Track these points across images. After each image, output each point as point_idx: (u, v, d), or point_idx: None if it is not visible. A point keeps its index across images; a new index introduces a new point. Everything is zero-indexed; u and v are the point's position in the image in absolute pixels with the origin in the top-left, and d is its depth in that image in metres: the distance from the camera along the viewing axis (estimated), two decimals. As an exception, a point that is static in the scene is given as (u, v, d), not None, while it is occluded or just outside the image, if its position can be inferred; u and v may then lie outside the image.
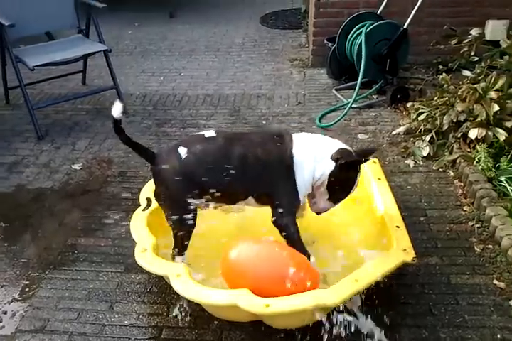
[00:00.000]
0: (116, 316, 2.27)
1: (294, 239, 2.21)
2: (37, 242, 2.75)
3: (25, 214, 2.99)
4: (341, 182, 2.20)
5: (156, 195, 2.31)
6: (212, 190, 2.20)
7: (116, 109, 2.16)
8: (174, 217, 2.23)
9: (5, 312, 2.31)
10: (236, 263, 2.10)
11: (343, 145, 2.24)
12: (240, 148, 2.18)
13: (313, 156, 2.17)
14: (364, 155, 2.18)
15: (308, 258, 2.18)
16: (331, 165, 2.16)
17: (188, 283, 2.03)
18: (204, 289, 2.02)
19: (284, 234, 2.21)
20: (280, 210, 2.19)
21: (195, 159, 2.17)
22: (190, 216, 2.20)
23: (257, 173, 2.17)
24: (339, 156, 2.15)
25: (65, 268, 2.57)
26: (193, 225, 2.24)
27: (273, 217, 2.22)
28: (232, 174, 2.16)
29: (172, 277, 2.06)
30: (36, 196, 3.16)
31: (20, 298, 2.39)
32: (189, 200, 2.18)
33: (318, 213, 2.36)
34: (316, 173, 2.17)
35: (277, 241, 2.22)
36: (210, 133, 2.27)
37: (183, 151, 2.18)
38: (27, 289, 2.44)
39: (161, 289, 2.37)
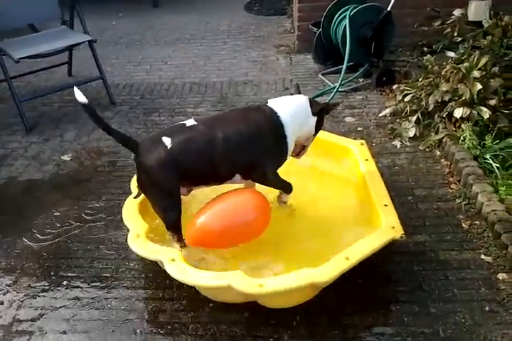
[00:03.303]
0: (113, 301, 2.30)
1: (276, 183, 2.44)
2: (30, 233, 2.77)
3: (17, 206, 3.00)
4: (320, 124, 2.47)
5: (141, 183, 2.28)
6: (201, 176, 2.24)
7: (79, 94, 2.10)
8: (161, 205, 2.25)
9: (1, 303, 2.34)
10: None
11: (305, 98, 2.41)
12: (223, 130, 2.22)
13: (297, 117, 2.33)
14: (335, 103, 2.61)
15: (291, 191, 2.49)
16: (314, 119, 2.39)
17: (182, 267, 2.07)
18: (198, 272, 2.05)
19: (267, 184, 2.42)
20: (265, 170, 2.33)
21: (181, 148, 2.17)
22: (176, 202, 2.23)
23: (245, 148, 2.24)
24: (321, 110, 2.39)
25: (59, 257, 2.59)
26: (180, 210, 2.25)
27: (256, 176, 2.34)
28: (219, 157, 2.20)
29: (166, 262, 2.09)
30: (27, 188, 3.17)
31: (15, 288, 2.41)
32: (175, 188, 2.21)
33: (299, 157, 2.56)
34: (302, 131, 2.37)
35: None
36: (191, 122, 2.29)
37: (167, 141, 2.17)
38: (22, 279, 2.46)
39: (155, 274, 2.40)
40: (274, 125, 2.27)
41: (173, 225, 2.27)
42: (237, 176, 2.31)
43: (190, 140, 2.20)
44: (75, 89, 2.15)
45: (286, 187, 2.47)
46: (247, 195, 2.38)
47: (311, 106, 2.37)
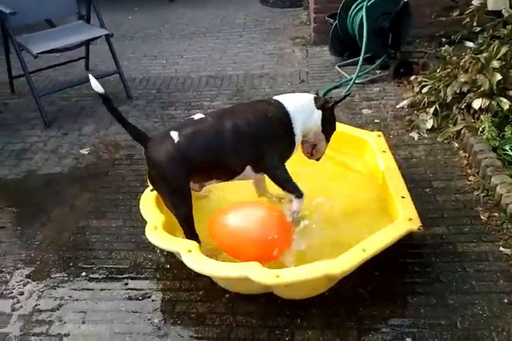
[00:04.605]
0: (131, 292, 2.33)
1: (286, 180, 2.33)
2: (49, 225, 2.81)
3: (37, 199, 3.05)
4: (330, 122, 2.46)
5: (151, 178, 2.32)
6: (210, 169, 2.25)
7: (95, 83, 2.15)
8: (171, 200, 2.26)
9: (21, 293, 2.38)
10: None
11: (311, 95, 2.45)
12: (231, 120, 2.24)
13: (302, 109, 2.34)
14: (345, 96, 2.49)
15: (301, 196, 2.32)
16: (319, 113, 2.38)
17: (199, 258, 2.08)
18: (215, 263, 2.07)
19: (277, 178, 2.33)
20: (275, 160, 2.29)
21: (189, 141, 2.18)
22: (186, 197, 2.23)
23: (254, 138, 2.24)
24: (323, 103, 2.38)
25: (78, 249, 2.63)
26: (191, 205, 2.25)
27: (266, 166, 2.29)
28: (228, 148, 2.21)
29: (183, 252, 2.11)
30: (46, 181, 3.21)
31: (35, 279, 2.45)
32: (185, 183, 2.21)
33: (319, 159, 2.55)
34: (309, 124, 2.36)
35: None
36: (198, 115, 2.32)
37: (174, 135, 2.19)
38: (42, 270, 2.50)
39: (172, 265, 2.42)
40: (281, 114, 2.29)
41: (185, 220, 2.27)
42: (248, 169, 2.29)
43: (198, 132, 2.21)
44: (91, 77, 2.16)
45: (294, 188, 2.31)
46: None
47: (315, 102, 2.38)
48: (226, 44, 5.15)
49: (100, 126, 3.78)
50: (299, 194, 2.32)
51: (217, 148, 2.21)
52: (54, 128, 3.81)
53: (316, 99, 2.39)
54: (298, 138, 2.35)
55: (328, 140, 2.49)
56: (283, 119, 2.29)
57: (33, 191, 3.13)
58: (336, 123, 2.53)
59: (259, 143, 2.25)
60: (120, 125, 2.26)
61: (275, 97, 2.39)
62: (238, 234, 2.24)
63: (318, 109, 2.37)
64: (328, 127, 2.44)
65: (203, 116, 2.30)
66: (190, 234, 2.27)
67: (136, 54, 5.07)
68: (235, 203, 2.44)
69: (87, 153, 3.48)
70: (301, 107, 2.34)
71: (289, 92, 3.92)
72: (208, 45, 5.18)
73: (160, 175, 2.21)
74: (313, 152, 2.50)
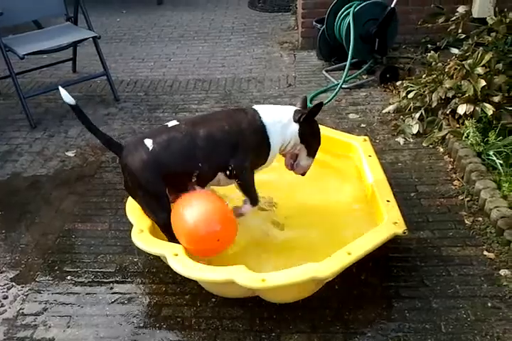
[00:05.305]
0: (116, 296, 2.31)
1: (250, 185, 2.32)
2: (34, 228, 2.79)
3: (22, 202, 3.02)
4: (311, 134, 2.39)
5: (127, 187, 2.31)
6: (183, 175, 2.23)
7: (65, 95, 2.18)
8: (150, 207, 2.27)
9: (6, 297, 2.35)
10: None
11: (293, 107, 2.41)
12: (204, 127, 2.23)
13: (279, 121, 2.31)
14: (315, 107, 2.31)
15: (256, 205, 2.36)
16: (296, 126, 2.32)
17: (186, 262, 2.08)
18: (201, 267, 2.06)
19: (240, 178, 2.28)
20: (243, 162, 2.25)
21: (163, 149, 2.18)
22: (164, 203, 2.23)
23: (225, 145, 2.22)
24: (299, 117, 2.32)
25: (64, 252, 2.60)
26: (170, 211, 2.24)
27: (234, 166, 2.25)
28: (201, 156, 2.20)
29: (169, 256, 2.11)
30: (31, 183, 3.18)
31: (20, 283, 2.43)
32: (161, 189, 2.20)
33: (303, 174, 2.50)
34: (285, 136, 2.32)
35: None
36: (173, 122, 2.31)
37: (148, 143, 2.19)
38: (26, 274, 2.48)
39: (158, 269, 2.42)
40: (256, 124, 2.27)
41: (164, 226, 2.27)
42: (220, 175, 2.28)
43: (172, 139, 2.21)
44: (61, 89, 2.19)
45: (254, 196, 2.34)
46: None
47: (294, 114, 2.33)
48: (214, 47, 5.16)
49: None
50: (255, 202, 2.35)
51: (190, 154, 2.19)
52: (40, 130, 3.78)
53: (295, 112, 2.34)
54: (274, 150, 2.32)
55: (311, 154, 2.43)
56: (258, 129, 2.27)
57: (18, 193, 3.10)
58: (321, 132, 2.45)
59: (230, 151, 2.23)
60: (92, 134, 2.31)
61: (255, 106, 2.37)
62: (183, 228, 2.20)
63: (295, 122, 2.32)
64: (307, 140, 2.37)
65: (177, 123, 2.29)
66: (172, 239, 2.26)
67: (123, 56, 5.05)
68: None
69: (73, 155, 3.46)
70: (278, 119, 2.30)
71: (277, 96, 4.04)
72: (196, 48, 5.18)
73: (136, 183, 2.22)
74: (294, 165, 2.46)
